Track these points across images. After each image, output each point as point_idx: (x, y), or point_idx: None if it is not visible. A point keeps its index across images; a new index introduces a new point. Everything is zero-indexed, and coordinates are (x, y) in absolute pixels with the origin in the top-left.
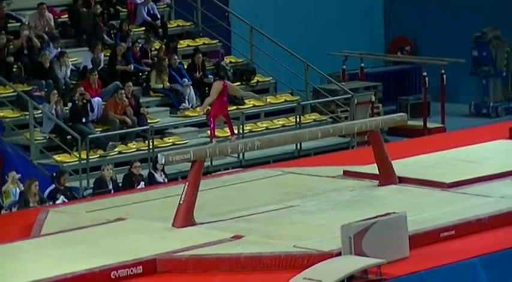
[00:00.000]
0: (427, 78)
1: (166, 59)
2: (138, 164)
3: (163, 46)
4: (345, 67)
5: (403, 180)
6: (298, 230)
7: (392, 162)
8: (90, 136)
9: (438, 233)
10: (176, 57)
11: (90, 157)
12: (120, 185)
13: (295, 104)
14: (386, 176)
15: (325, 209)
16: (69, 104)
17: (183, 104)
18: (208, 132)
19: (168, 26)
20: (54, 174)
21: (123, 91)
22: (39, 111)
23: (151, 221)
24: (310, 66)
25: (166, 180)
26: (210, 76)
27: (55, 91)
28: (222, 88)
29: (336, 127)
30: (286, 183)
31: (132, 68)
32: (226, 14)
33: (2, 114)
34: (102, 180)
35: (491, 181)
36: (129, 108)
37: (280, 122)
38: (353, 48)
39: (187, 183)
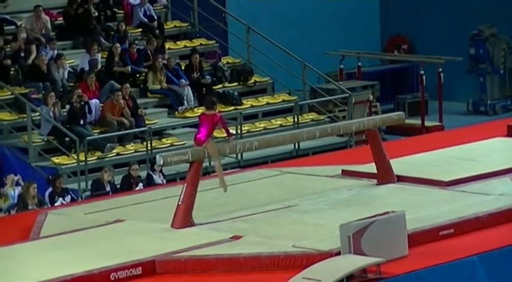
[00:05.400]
0: (424, 77)
1: (160, 60)
2: (137, 166)
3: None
4: (342, 66)
5: (401, 178)
6: (297, 229)
7: (391, 161)
8: (88, 138)
9: (437, 231)
10: (166, 57)
11: (88, 159)
12: (119, 186)
13: (292, 104)
14: (385, 175)
15: (323, 209)
16: (67, 106)
17: (181, 107)
18: None
19: (165, 27)
20: (50, 177)
21: (119, 92)
22: (37, 114)
23: (150, 222)
24: (308, 66)
25: (164, 181)
26: (208, 77)
27: (52, 93)
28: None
29: (334, 126)
30: (284, 183)
31: (129, 69)
32: (223, 14)
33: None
34: (100, 181)
35: (489, 179)
36: (127, 109)
37: (278, 122)
38: (350, 47)
39: (185, 184)
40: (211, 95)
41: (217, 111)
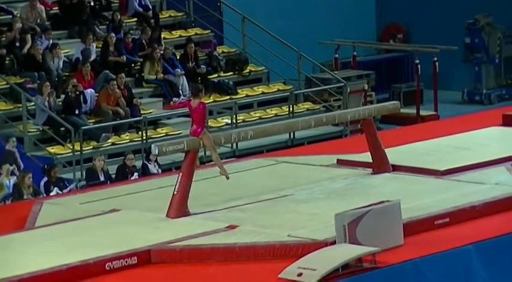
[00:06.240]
0: (419, 66)
1: (157, 50)
2: (132, 156)
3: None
4: (337, 56)
5: (396, 168)
6: (292, 219)
7: (386, 150)
8: (83, 128)
9: (432, 220)
10: (162, 46)
11: (83, 149)
12: (114, 176)
13: (288, 93)
14: (380, 164)
15: (319, 198)
16: (62, 96)
17: (175, 98)
18: None
19: (160, 16)
20: (45, 166)
21: (114, 82)
22: (32, 104)
23: (145, 211)
24: (303, 56)
25: (160, 170)
26: (203, 66)
27: (48, 83)
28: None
29: (329, 116)
30: (279, 173)
31: (124, 59)
32: (218, 3)
33: None
34: (93, 171)
35: (485, 168)
36: (122, 99)
37: (273, 112)
38: (345, 36)
39: (181, 174)
40: (197, 82)
41: (203, 98)
